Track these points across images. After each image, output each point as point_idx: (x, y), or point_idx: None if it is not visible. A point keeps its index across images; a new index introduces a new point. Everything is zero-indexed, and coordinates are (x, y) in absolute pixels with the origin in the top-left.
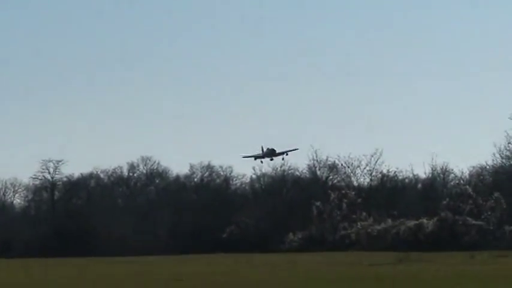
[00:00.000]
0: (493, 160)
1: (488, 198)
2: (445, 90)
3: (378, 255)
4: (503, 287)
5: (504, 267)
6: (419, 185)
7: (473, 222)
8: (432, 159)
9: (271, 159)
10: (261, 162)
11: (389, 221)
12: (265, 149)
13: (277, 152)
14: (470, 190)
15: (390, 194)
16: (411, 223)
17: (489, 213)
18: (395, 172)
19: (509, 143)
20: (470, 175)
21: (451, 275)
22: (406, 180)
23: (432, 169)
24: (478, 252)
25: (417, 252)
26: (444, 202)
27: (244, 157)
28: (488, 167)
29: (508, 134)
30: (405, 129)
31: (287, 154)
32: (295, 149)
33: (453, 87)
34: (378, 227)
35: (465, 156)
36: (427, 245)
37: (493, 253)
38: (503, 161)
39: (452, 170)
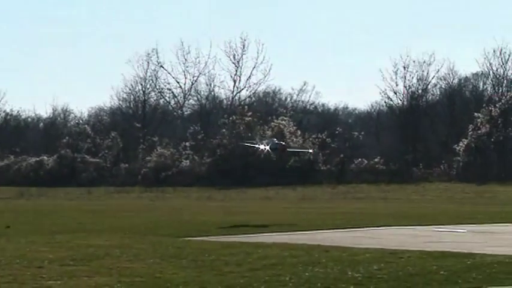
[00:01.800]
0: (110, 102)
1: (105, 138)
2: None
3: (1, 190)
4: (136, 219)
5: (117, 202)
6: (41, 124)
7: (91, 159)
8: (53, 100)
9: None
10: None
11: (12, 157)
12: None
13: (288, 150)
14: (89, 129)
15: (13, 132)
16: (32, 160)
17: (106, 151)
18: (18, 112)
19: (125, 86)
20: (89, 115)
21: (67, 208)
22: (29, 120)
23: (53, 109)
24: (96, 188)
25: (38, 187)
26: (64, 140)
27: (242, 143)
28: (106, 108)
29: (125, 78)
30: (28, 71)
31: (298, 154)
32: (308, 151)
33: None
34: (1, 164)
35: (84, 98)
36: (48, 181)
37: (109, 189)
38: (120, 102)
39: (72, 110)
